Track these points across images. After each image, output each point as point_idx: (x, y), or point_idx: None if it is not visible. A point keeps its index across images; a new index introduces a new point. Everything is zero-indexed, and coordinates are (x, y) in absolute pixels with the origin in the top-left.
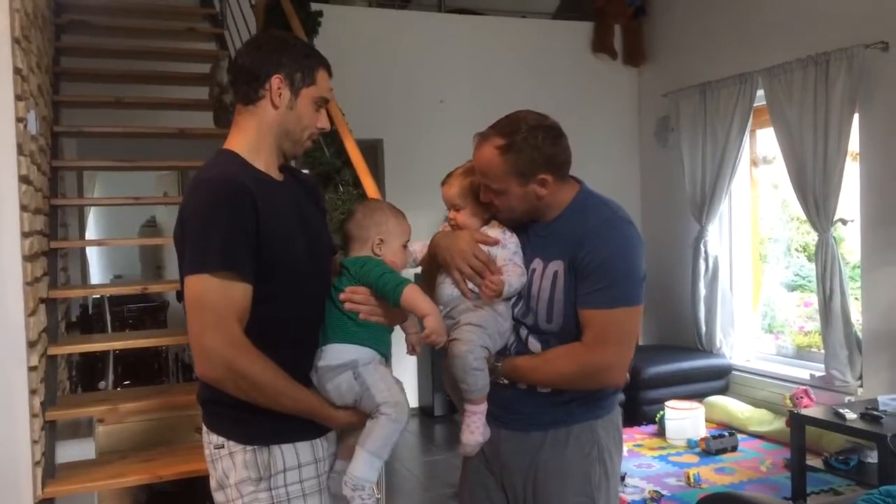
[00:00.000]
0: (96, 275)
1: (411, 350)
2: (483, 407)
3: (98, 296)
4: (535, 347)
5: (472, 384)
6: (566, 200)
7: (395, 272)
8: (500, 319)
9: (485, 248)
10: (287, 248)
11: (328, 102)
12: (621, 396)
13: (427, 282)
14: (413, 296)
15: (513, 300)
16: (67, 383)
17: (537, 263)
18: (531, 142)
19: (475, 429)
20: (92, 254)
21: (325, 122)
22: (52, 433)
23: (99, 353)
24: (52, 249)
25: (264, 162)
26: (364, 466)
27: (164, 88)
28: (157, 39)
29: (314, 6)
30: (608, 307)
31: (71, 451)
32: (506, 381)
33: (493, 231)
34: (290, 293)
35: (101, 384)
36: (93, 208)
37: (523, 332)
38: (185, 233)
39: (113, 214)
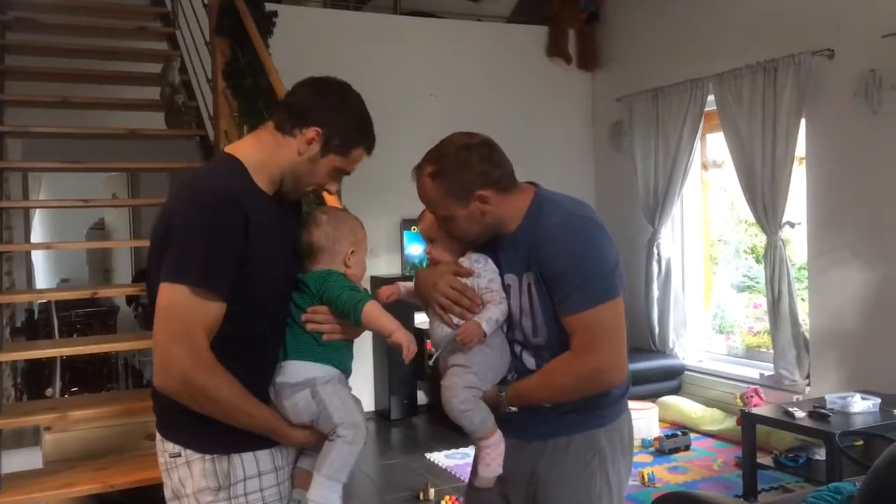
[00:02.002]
0: (42, 279)
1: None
2: (495, 439)
3: (44, 301)
4: (529, 363)
5: (467, 426)
6: (522, 208)
7: (355, 288)
8: (490, 351)
9: (463, 279)
10: (270, 271)
11: (348, 175)
12: None
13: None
14: (373, 314)
15: (503, 328)
16: (12, 391)
17: (511, 279)
18: (459, 162)
19: (490, 461)
20: (37, 257)
21: (334, 187)
22: None
23: (46, 359)
24: None
25: (264, 180)
26: (322, 491)
27: (114, 88)
28: (106, 38)
29: (269, 6)
30: (585, 309)
31: (17, 461)
32: (514, 409)
33: (467, 261)
34: (261, 312)
35: (49, 391)
36: (38, 210)
37: (517, 348)
38: (171, 237)
39: (59, 217)
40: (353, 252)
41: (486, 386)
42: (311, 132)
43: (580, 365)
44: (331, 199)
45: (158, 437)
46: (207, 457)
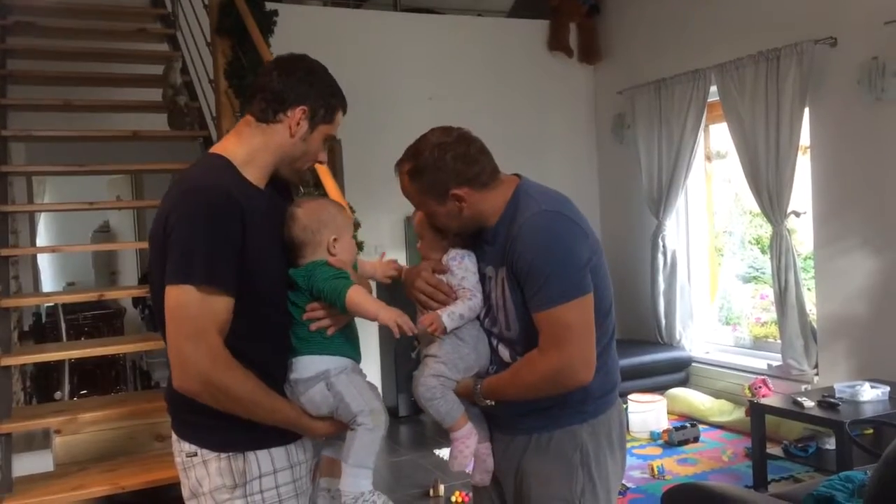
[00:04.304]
0: (48, 282)
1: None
2: (463, 432)
3: (51, 304)
4: (504, 355)
5: (434, 414)
6: (503, 202)
7: (339, 275)
8: (461, 344)
9: (440, 276)
10: (269, 262)
11: (334, 139)
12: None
13: None
14: (356, 300)
15: (481, 320)
16: (21, 394)
17: (490, 271)
18: (433, 161)
19: (458, 453)
20: (43, 261)
21: (325, 156)
22: (7, 446)
23: (54, 362)
24: (3, 257)
25: (255, 174)
26: (352, 479)
27: (116, 90)
28: (107, 41)
29: (269, 5)
30: (550, 306)
31: (27, 464)
32: (491, 403)
33: (445, 258)
34: (271, 304)
35: (57, 394)
36: (43, 214)
37: (493, 341)
38: (170, 240)
39: (64, 220)
40: (335, 239)
41: (457, 376)
42: (297, 112)
43: (544, 362)
44: (323, 171)
45: (174, 437)
46: (223, 455)
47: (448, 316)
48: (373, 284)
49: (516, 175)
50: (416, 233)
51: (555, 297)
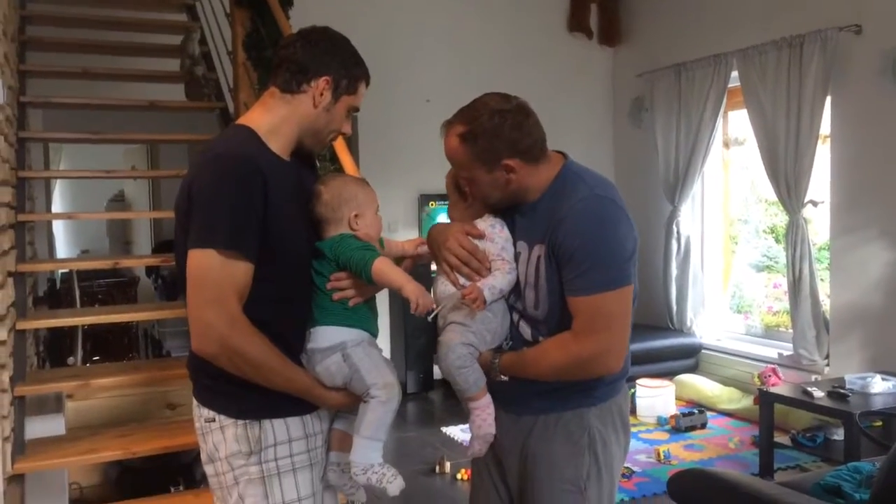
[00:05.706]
0: (63, 250)
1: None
2: (484, 401)
3: (66, 270)
4: (525, 333)
5: (461, 384)
6: (548, 179)
7: (366, 247)
8: (490, 316)
9: (475, 241)
10: (292, 231)
11: (357, 111)
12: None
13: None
14: (383, 269)
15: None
16: (35, 359)
17: (522, 247)
18: (491, 128)
19: (481, 422)
20: (58, 229)
21: (349, 128)
22: (21, 409)
23: (67, 328)
24: (20, 222)
25: (279, 145)
26: (363, 451)
27: (134, 60)
28: (126, 9)
29: None
30: (591, 293)
31: (40, 427)
32: (505, 378)
33: (483, 224)
34: (292, 274)
35: (70, 360)
36: (58, 182)
37: (515, 316)
38: (194, 206)
39: (80, 188)
40: (356, 215)
41: (482, 347)
42: (321, 82)
43: (578, 347)
44: (339, 146)
45: (195, 402)
46: (240, 422)
47: (489, 290)
48: None
49: (560, 153)
50: (448, 193)
51: (600, 283)
